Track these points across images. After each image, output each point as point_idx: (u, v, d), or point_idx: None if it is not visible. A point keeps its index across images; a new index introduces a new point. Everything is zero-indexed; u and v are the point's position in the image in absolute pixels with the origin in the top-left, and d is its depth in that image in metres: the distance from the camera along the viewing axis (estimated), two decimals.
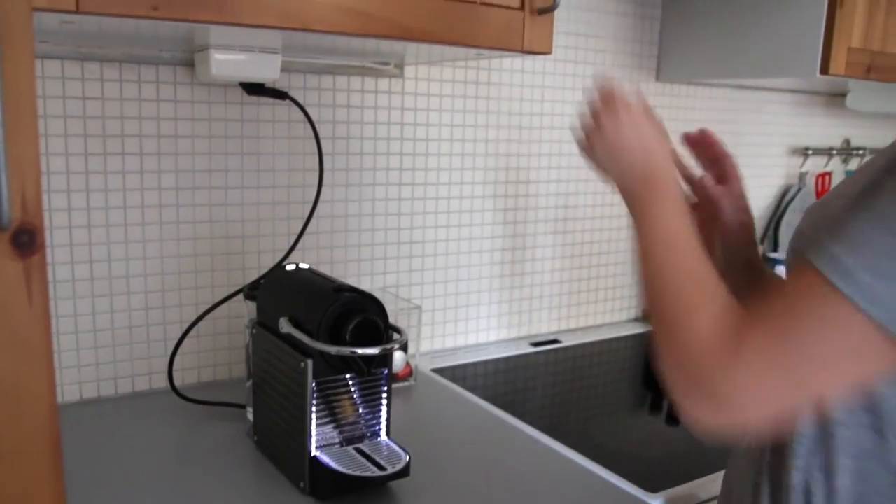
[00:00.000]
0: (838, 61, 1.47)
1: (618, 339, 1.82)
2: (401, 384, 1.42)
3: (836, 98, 2.19)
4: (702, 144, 0.96)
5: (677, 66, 1.81)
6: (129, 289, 1.30)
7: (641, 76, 1.82)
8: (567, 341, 1.75)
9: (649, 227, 0.78)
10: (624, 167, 0.84)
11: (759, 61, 1.61)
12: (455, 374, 1.51)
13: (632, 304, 1.97)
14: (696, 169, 0.96)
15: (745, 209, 0.95)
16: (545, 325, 1.80)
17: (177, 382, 1.27)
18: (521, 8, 1.09)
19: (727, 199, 0.94)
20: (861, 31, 1.49)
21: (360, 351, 0.95)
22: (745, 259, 0.95)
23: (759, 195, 2.12)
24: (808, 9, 1.49)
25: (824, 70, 1.48)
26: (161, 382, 1.34)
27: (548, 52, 1.13)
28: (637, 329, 1.89)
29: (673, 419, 1.37)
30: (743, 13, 1.64)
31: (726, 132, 2.01)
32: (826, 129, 2.26)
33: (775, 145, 2.14)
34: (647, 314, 0.75)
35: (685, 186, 0.95)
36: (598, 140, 0.86)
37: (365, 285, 1.51)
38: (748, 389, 0.63)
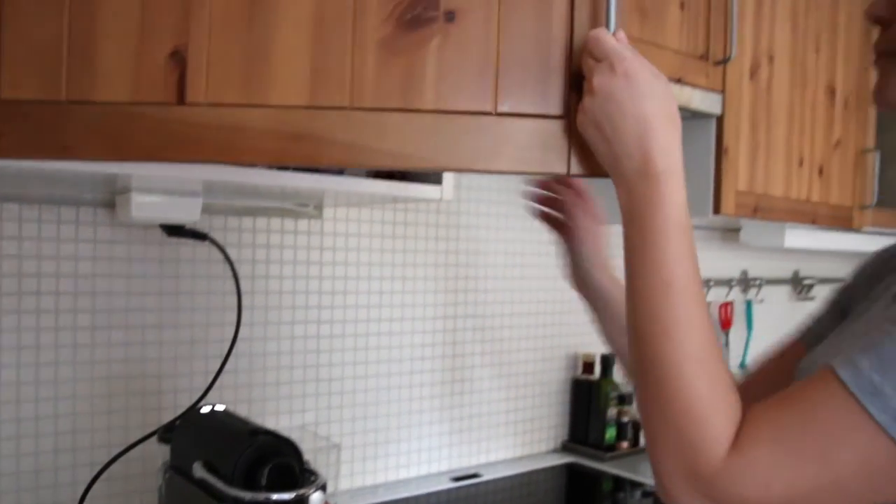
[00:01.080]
0: (728, 203, 1.59)
1: (538, 472, 1.83)
2: None
3: (731, 233, 2.34)
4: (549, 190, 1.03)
5: None
6: (38, 431, 1.27)
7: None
8: (488, 475, 1.76)
9: (645, 251, 0.68)
10: (616, 151, 0.70)
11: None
12: None
13: (551, 434, 1.99)
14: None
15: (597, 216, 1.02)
16: (465, 459, 1.81)
17: None
18: (564, 116, 0.81)
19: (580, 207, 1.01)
20: (746, 175, 1.62)
21: (274, 497, 0.94)
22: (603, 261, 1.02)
23: None
24: (699, 155, 1.62)
25: (717, 210, 1.60)
26: None
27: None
28: (557, 460, 1.91)
29: None
30: None
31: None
32: (725, 262, 2.40)
33: None
34: (629, 374, 0.68)
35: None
36: (587, 107, 0.71)
37: (283, 423, 1.50)
38: (746, 473, 0.60)
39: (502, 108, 0.79)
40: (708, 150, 1.61)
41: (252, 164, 0.90)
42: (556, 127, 0.78)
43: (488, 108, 0.79)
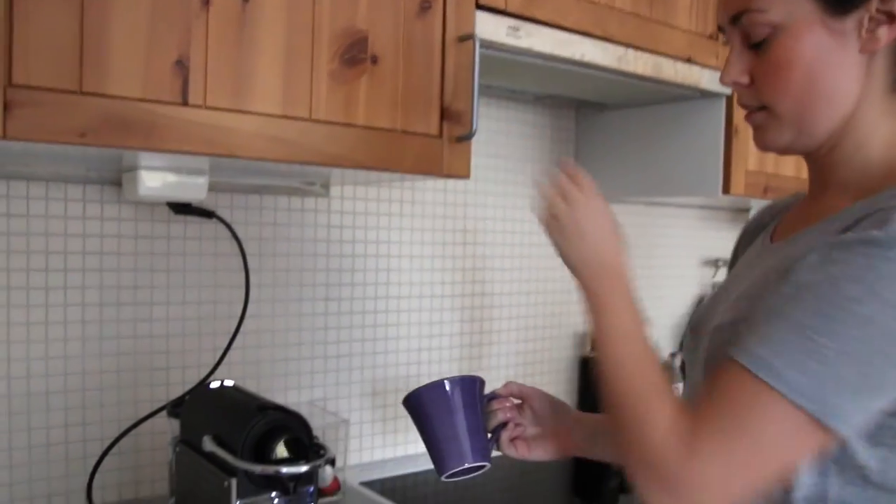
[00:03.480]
0: (738, 183, 1.58)
1: None
2: (328, 499, 1.41)
3: (741, 213, 2.33)
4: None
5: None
6: (49, 406, 1.28)
7: None
8: (496, 450, 1.76)
9: (604, 320, 0.82)
10: (578, 258, 0.85)
11: (667, 181, 1.72)
12: (384, 486, 1.50)
13: None
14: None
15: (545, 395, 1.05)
16: None
17: (97, 501, 1.24)
18: (440, 136, 1.16)
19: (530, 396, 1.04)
20: (756, 155, 1.62)
21: (284, 469, 0.95)
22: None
23: (675, 304, 2.21)
24: (708, 135, 1.62)
25: (726, 190, 1.59)
26: (79, 501, 1.31)
27: (466, 177, 1.19)
28: None
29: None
30: (651, 138, 1.75)
31: (641, 246, 2.11)
32: (733, 242, 2.38)
33: (687, 257, 2.25)
34: (607, 405, 0.79)
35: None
36: (553, 228, 0.87)
37: (292, 399, 1.51)
38: (707, 482, 0.71)
39: (405, 128, 1.13)
40: (717, 129, 1.60)
41: (239, 158, 1.00)
42: (435, 142, 1.16)
43: (397, 126, 1.12)
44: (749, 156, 1.61)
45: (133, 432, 1.29)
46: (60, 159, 1.17)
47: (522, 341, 1.89)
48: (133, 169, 1.22)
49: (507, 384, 1.04)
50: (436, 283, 1.71)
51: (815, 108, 0.79)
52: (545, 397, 1.03)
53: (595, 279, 0.83)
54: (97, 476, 1.24)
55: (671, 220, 2.19)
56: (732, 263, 1.05)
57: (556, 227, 0.86)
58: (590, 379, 1.98)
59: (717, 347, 0.79)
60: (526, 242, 1.85)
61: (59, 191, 1.26)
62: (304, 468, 0.97)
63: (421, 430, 0.98)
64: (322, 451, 1.02)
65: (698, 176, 1.64)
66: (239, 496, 0.97)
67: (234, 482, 0.97)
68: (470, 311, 1.78)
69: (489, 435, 0.99)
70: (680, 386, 1.99)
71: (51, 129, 0.86)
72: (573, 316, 1.98)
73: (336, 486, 1.43)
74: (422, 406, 0.97)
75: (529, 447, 1.02)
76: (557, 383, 1.98)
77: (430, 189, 1.68)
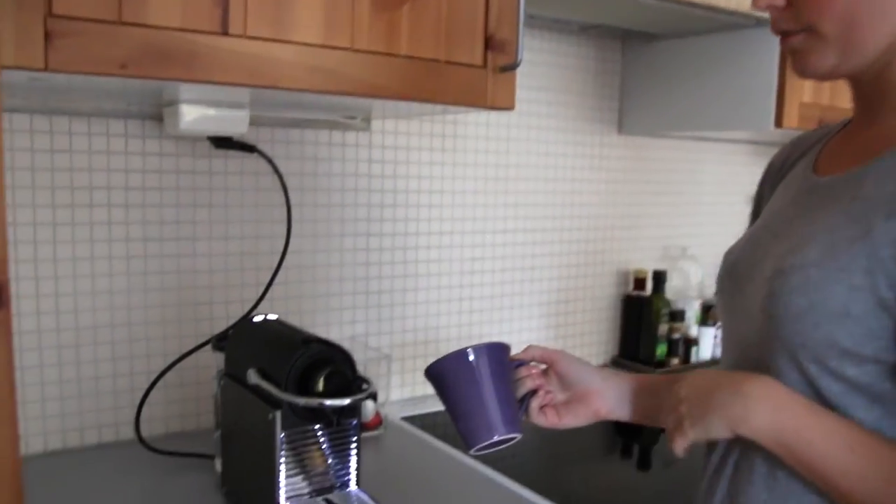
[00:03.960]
0: (791, 115, 1.53)
1: None
2: (370, 433, 1.42)
3: None
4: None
5: (638, 118, 1.86)
6: (96, 339, 1.29)
7: (603, 129, 1.87)
8: None
9: (813, 460, 0.71)
10: (737, 429, 0.74)
11: (717, 115, 1.67)
12: (425, 422, 1.51)
13: (600, 350, 1.99)
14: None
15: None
16: None
17: (144, 433, 1.26)
18: (484, 66, 1.13)
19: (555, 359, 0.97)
20: (811, 86, 1.55)
21: (328, 402, 0.95)
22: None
23: (721, 243, 2.16)
24: (761, 66, 1.55)
25: (778, 123, 1.54)
26: (128, 433, 1.33)
27: (510, 108, 1.16)
28: None
29: (643, 465, 1.38)
30: (700, 69, 1.70)
31: (688, 182, 2.06)
32: None
33: (736, 193, 2.19)
34: None
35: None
36: (691, 434, 0.78)
37: (334, 335, 1.52)
38: None
39: (448, 58, 1.10)
40: (771, 59, 1.54)
41: (280, 89, 0.97)
42: (478, 73, 1.13)
43: (441, 56, 1.09)
44: (804, 87, 1.55)
45: (178, 366, 1.31)
46: (102, 94, 1.16)
47: (564, 278, 1.87)
48: (174, 103, 1.21)
49: (527, 348, 0.97)
50: (477, 220, 1.69)
51: (865, 23, 0.72)
52: (571, 360, 0.97)
53: (766, 434, 0.73)
54: (144, 409, 1.26)
55: (720, 156, 2.13)
56: (758, 201, 1.00)
57: (691, 430, 0.77)
58: (632, 318, 1.97)
59: (786, 294, 0.73)
60: (569, 178, 1.82)
61: (102, 126, 1.26)
62: (347, 401, 0.96)
63: (445, 402, 0.93)
64: (365, 385, 1.02)
65: (750, 109, 1.59)
66: (283, 428, 0.98)
67: (278, 415, 0.97)
68: (512, 248, 1.76)
69: (518, 404, 0.94)
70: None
71: (91, 60, 0.84)
72: (616, 254, 1.96)
73: (378, 421, 1.44)
74: (445, 377, 0.92)
75: (559, 414, 0.96)
76: (599, 322, 1.97)
77: (473, 123, 1.65)
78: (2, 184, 0.56)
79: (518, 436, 0.90)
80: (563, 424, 0.96)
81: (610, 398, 0.96)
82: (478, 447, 0.89)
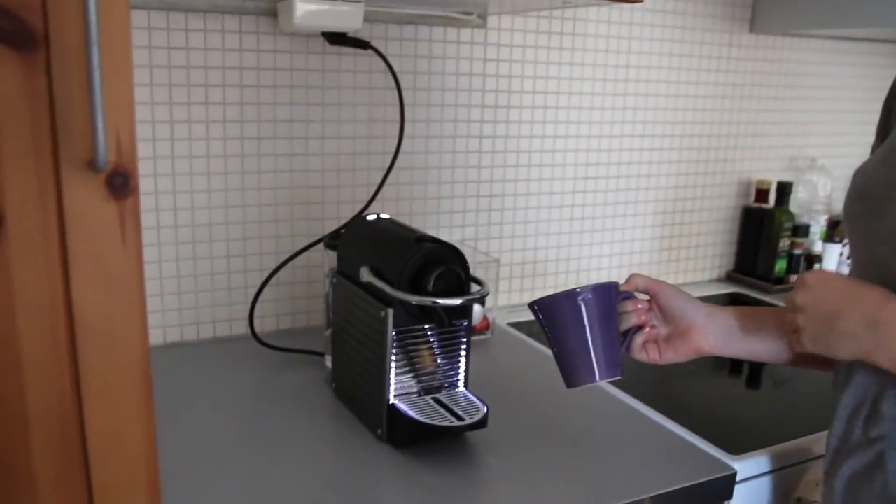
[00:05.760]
0: None
1: (701, 299, 1.77)
2: (478, 337, 1.42)
3: None
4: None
5: (773, 15, 1.72)
6: (212, 237, 1.32)
7: (734, 27, 1.75)
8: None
9: None
10: (856, 349, 0.74)
11: (863, 9, 1.53)
12: (532, 329, 1.49)
13: (715, 263, 1.92)
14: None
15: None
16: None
17: (256, 329, 1.29)
18: None
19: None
20: None
21: (441, 301, 0.94)
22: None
23: (856, 154, 2.02)
24: None
25: None
26: (241, 329, 1.37)
27: (638, 0, 1.08)
28: (720, 289, 1.84)
29: (752, 383, 1.34)
30: None
31: (826, 87, 1.92)
32: None
33: (878, 101, 2.03)
34: None
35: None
36: (809, 342, 0.77)
37: (443, 237, 1.50)
38: None
39: None
40: None
41: None
42: None
43: None
44: None
45: (290, 265, 1.32)
46: None
47: (681, 187, 1.79)
48: None
49: (631, 277, 0.94)
50: (594, 123, 1.62)
51: None
52: (674, 292, 0.94)
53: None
54: (256, 306, 1.28)
55: (863, 59, 1.97)
56: (887, 113, 0.94)
57: (811, 345, 0.77)
58: (751, 230, 1.88)
59: None
60: (693, 80, 1.72)
61: (217, 22, 1.25)
62: (459, 301, 0.95)
63: (549, 338, 0.91)
64: (478, 287, 1.00)
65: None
66: (395, 326, 0.97)
67: (390, 312, 0.97)
68: (628, 153, 1.69)
69: (622, 338, 0.92)
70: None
71: None
72: (738, 163, 1.86)
73: (485, 325, 1.43)
74: (553, 316, 0.90)
75: (661, 350, 0.93)
76: (715, 234, 1.89)
77: (593, 20, 1.57)
78: (130, 77, 0.55)
79: (619, 377, 0.90)
80: (664, 360, 0.94)
81: (713, 335, 0.93)
82: (576, 387, 0.91)
